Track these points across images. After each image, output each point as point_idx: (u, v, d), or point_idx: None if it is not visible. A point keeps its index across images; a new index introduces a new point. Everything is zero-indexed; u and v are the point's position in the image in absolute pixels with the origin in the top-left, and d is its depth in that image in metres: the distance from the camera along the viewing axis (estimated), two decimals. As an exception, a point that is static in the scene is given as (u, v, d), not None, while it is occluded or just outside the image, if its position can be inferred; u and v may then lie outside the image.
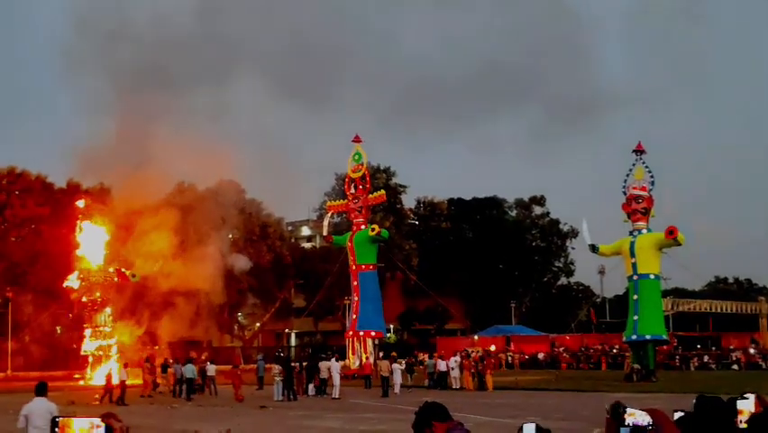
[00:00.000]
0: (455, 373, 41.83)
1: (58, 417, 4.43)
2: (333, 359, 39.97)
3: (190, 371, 38.97)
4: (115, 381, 36.79)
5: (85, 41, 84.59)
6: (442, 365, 42.68)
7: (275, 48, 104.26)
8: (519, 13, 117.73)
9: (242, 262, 68.57)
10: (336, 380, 37.72)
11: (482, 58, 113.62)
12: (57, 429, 4.75)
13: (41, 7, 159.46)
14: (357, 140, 56.25)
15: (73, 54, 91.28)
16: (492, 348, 66.53)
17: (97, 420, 4.72)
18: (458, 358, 43.05)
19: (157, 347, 64.94)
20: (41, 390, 13.34)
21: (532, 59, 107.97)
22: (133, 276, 56.89)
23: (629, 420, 4.33)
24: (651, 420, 4.29)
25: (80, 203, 59.80)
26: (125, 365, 38.76)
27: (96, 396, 37.59)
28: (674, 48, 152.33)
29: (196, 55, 78.60)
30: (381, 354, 58.52)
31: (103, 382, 38.40)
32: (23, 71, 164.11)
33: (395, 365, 40.05)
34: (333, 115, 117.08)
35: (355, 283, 54.51)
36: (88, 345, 54.94)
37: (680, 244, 45.01)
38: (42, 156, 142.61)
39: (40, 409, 12.93)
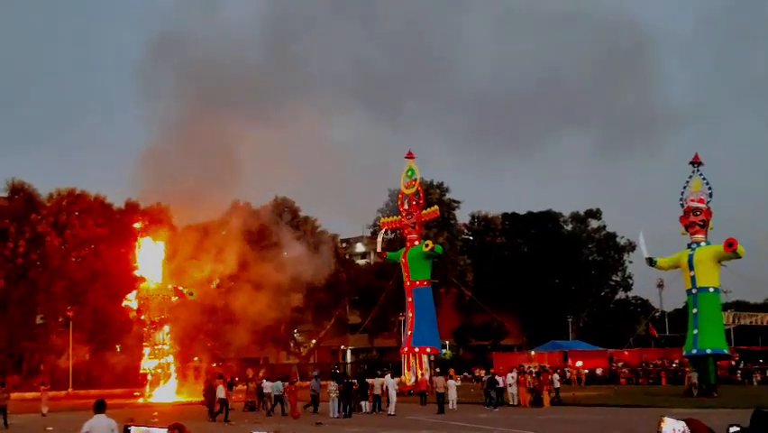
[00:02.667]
0: (512, 390, 41.44)
1: (130, 426, 4.52)
2: (388, 375, 39.89)
3: (270, 387, 39.48)
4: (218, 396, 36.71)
5: (151, 63, 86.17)
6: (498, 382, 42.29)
7: (336, 67, 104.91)
8: (578, 32, 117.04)
9: (298, 250, 68.72)
10: (392, 396, 37.65)
11: (539, 74, 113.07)
12: None
13: (107, 27, 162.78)
14: (410, 156, 56.36)
15: (143, 77, 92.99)
16: (579, 363, 66.11)
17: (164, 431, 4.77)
18: (514, 374, 42.68)
19: (214, 364, 65.57)
20: (100, 407, 13.64)
21: (590, 75, 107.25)
22: (191, 294, 57.58)
23: (663, 428, 4.30)
24: (685, 429, 4.24)
25: (138, 225, 60.70)
26: (224, 383, 38.61)
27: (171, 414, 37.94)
28: (733, 66, 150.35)
29: (260, 72, 79.15)
30: (438, 370, 58.39)
31: (202, 398, 38.93)
32: (83, 95, 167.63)
33: (450, 381, 39.85)
34: (387, 131, 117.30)
35: (410, 299, 54.45)
36: (147, 364, 55.67)
37: (739, 257, 44.19)
38: (101, 178, 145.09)
39: (100, 425, 13.23)
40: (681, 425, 4.25)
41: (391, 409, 36.96)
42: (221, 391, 36.62)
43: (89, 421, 13.32)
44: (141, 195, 67.85)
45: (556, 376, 44.39)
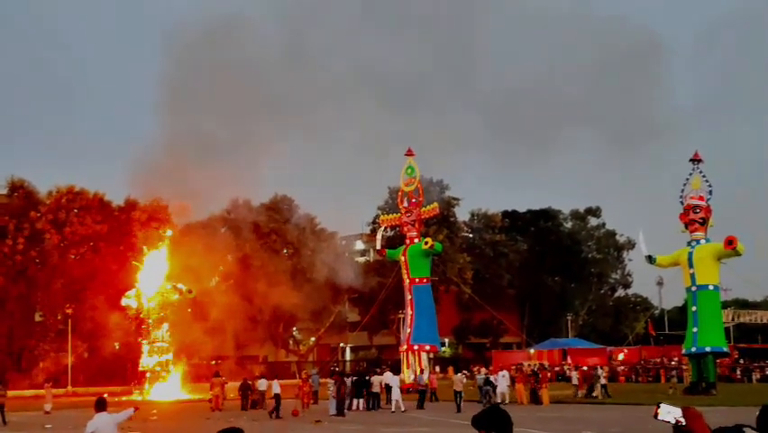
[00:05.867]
0: (501, 388, 40.91)
1: None
2: (388, 372, 39.76)
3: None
4: (273, 392, 36.97)
5: (158, 59, 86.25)
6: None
7: (339, 64, 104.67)
8: (583, 33, 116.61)
9: (297, 247, 68.72)
10: (396, 393, 37.49)
11: (542, 73, 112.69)
12: None
13: (108, 20, 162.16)
14: (410, 153, 56.27)
15: (149, 74, 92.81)
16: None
17: None
18: (505, 373, 42.45)
19: (213, 362, 65.57)
20: (102, 405, 13.46)
21: (593, 76, 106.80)
22: (190, 292, 57.55)
23: (660, 415, 4.26)
24: (681, 418, 4.20)
25: (138, 228, 60.61)
26: (276, 378, 38.69)
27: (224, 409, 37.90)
28: (738, 69, 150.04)
29: (262, 68, 78.83)
30: (438, 368, 58.41)
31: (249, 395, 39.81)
32: (84, 92, 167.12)
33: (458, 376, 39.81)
34: (386, 128, 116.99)
35: (409, 297, 54.37)
36: (146, 360, 55.67)
37: (739, 255, 44.05)
38: (101, 175, 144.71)
39: (106, 424, 13.04)
40: (678, 412, 4.22)
41: (394, 407, 36.76)
42: (275, 387, 36.71)
43: (92, 421, 13.15)
44: (140, 190, 67.74)
45: (602, 372, 44.42)
